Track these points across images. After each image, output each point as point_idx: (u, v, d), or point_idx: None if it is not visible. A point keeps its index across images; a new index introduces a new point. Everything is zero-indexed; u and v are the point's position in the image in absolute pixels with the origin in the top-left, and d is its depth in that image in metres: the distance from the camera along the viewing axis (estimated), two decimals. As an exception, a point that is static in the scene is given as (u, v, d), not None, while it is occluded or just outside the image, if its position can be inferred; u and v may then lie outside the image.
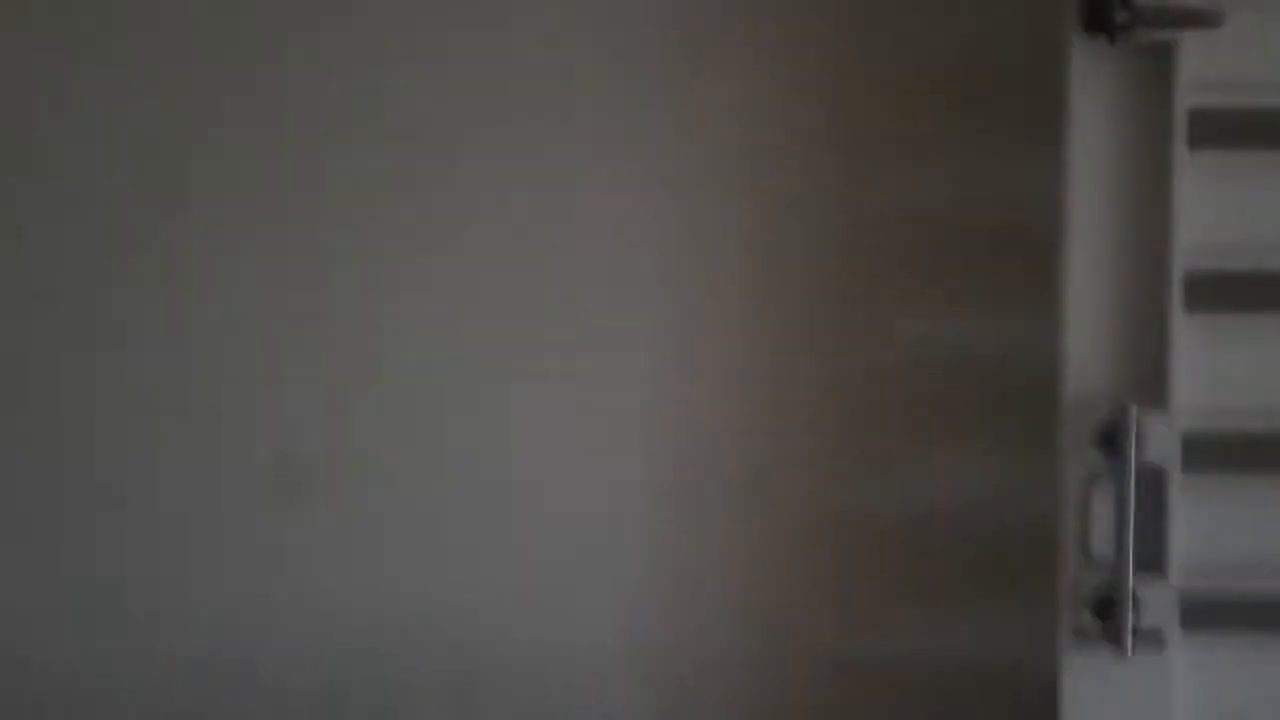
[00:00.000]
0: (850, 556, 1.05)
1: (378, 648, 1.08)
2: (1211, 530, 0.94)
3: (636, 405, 1.08)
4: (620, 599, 1.07)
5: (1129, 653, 0.90)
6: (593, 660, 1.05)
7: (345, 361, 1.10)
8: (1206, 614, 0.93)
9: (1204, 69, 0.92)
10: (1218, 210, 0.94)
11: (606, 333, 1.08)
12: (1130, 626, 0.90)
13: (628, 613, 1.07)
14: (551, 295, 1.09)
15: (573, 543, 1.09)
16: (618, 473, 1.09)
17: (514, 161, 1.08)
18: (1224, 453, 0.94)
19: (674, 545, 1.08)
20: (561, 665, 1.07)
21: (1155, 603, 0.91)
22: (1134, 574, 0.90)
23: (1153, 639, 0.91)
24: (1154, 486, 0.91)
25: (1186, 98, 0.92)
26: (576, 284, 1.08)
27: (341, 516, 1.10)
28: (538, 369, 1.09)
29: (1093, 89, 0.93)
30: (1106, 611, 0.91)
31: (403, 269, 1.10)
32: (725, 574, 1.06)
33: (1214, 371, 0.94)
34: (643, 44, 1.03)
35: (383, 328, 1.10)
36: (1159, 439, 0.91)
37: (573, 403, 1.10)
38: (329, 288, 1.09)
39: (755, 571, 1.05)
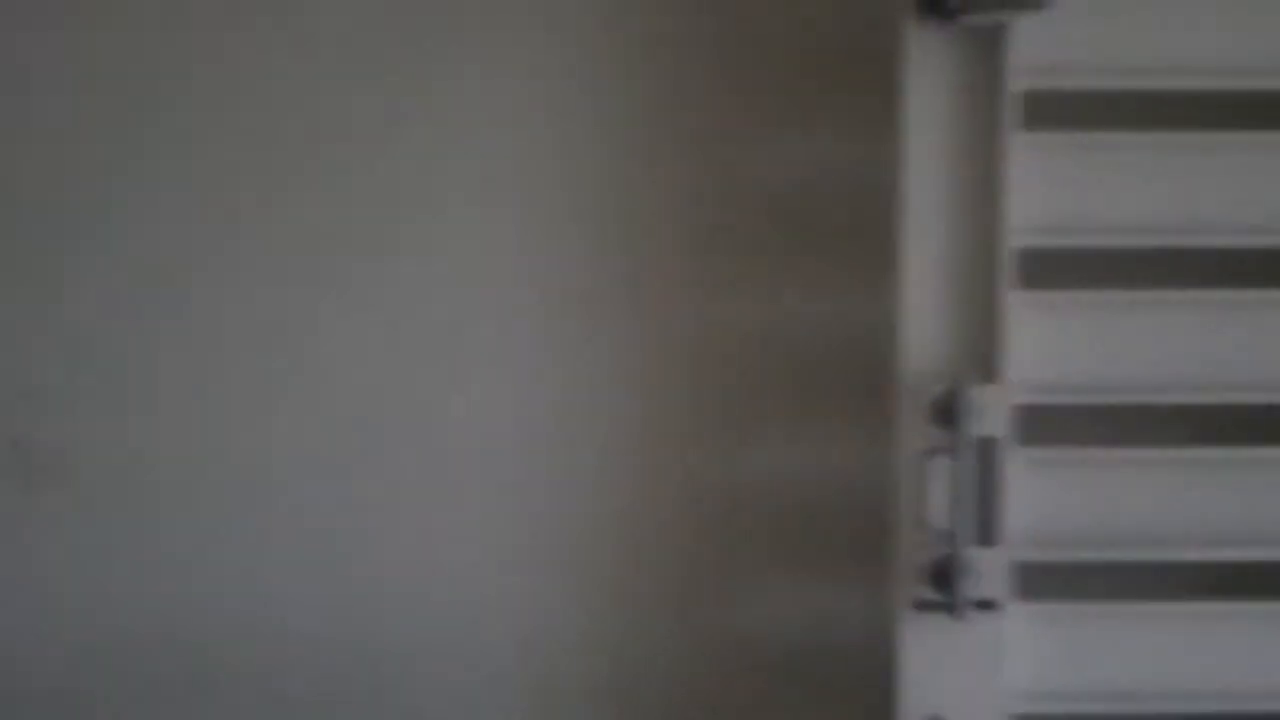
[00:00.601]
0: (709, 528, 1.07)
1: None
2: (1045, 500, 0.98)
3: (513, 384, 1.09)
4: (495, 566, 1.08)
5: (963, 618, 0.93)
6: (465, 628, 1.07)
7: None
8: (1038, 581, 0.97)
9: (1036, 52, 0.95)
10: (1050, 190, 0.97)
11: (478, 317, 1.08)
12: (965, 595, 0.93)
13: (501, 581, 1.08)
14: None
15: (448, 514, 1.10)
16: (491, 444, 1.09)
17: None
18: (1057, 425, 0.98)
19: (545, 515, 1.09)
20: (433, 633, 1.08)
21: (989, 571, 0.95)
22: (968, 544, 0.93)
23: (987, 606, 0.95)
24: (988, 458, 0.95)
25: (1019, 80, 0.94)
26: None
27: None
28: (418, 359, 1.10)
29: (928, 71, 0.95)
30: (942, 580, 0.94)
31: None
32: (594, 543, 1.08)
33: (1047, 347, 0.98)
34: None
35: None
36: (993, 412, 0.95)
37: (448, 381, 1.10)
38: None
39: (618, 541, 1.07)
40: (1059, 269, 0.98)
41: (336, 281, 1.07)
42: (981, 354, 0.95)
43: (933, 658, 0.96)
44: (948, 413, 0.94)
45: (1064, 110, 0.96)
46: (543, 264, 1.04)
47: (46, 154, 1.08)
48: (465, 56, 1.07)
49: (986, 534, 0.95)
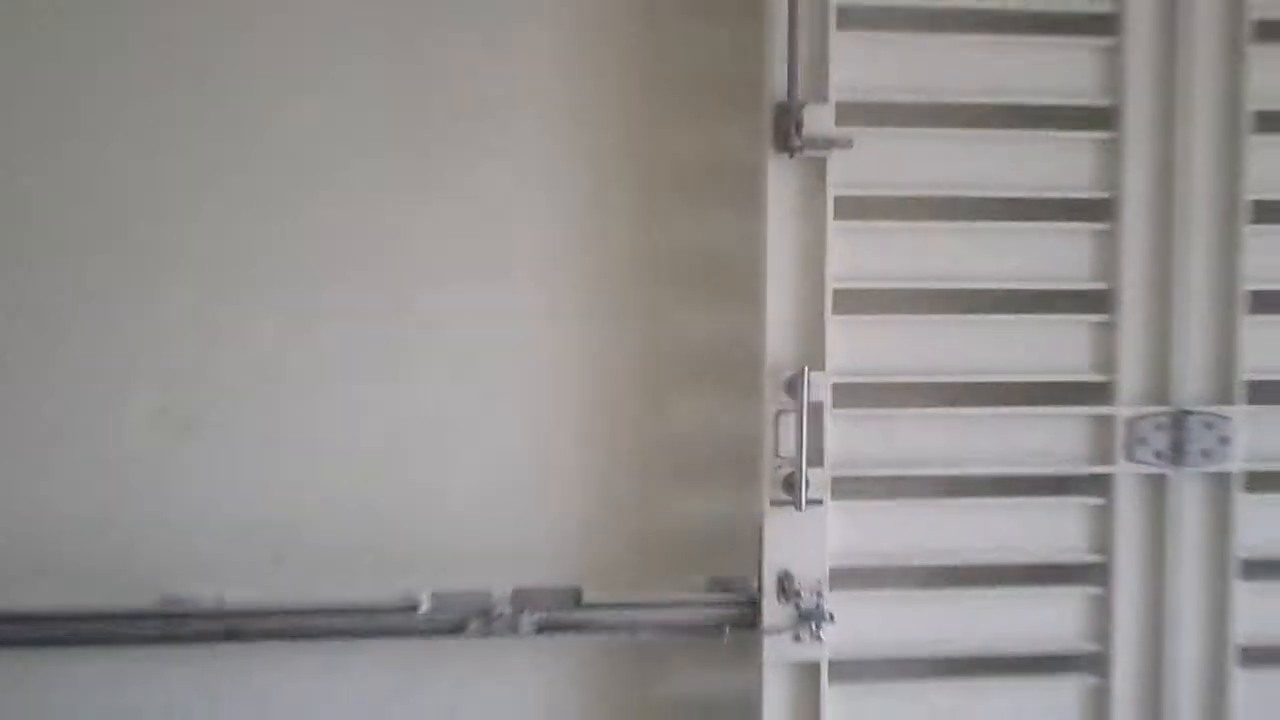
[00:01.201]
0: (652, 458, 1.69)
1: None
2: (849, 438, 1.63)
3: (525, 364, 1.69)
4: (508, 478, 1.68)
5: (801, 509, 1.58)
6: (481, 516, 1.67)
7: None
8: (846, 488, 1.63)
9: (844, 172, 1.59)
10: (851, 255, 1.62)
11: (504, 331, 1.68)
12: (803, 495, 1.57)
13: (509, 487, 1.69)
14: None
15: (461, 443, 1.69)
16: (493, 392, 1.69)
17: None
18: (856, 394, 1.63)
19: (544, 447, 1.70)
20: (448, 523, 1.67)
21: (817, 481, 1.59)
22: (805, 465, 1.57)
23: (815, 503, 1.59)
24: (817, 414, 1.59)
25: (834, 189, 1.59)
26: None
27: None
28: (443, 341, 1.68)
29: (781, 182, 1.59)
30: (789, 488, 1.58)
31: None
32: (575, 463, 1.69)
33: (850, 348, 1.63)
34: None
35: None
36: (819, 387, 1.59)
37: (483, 365, 1.69)
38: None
39: (591, 465, 1.69)
40: (856, 301, 1.63)
41: (413, 312, 1.65)
42: (813, 354, 1.60)
43: (784, 534, 1.60)
44: (793, 387, 1.58)
45: (859, 207, 1.61)
46: (548, 294, 1.66)
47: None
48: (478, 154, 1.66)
49: (815, 459, 1.59)
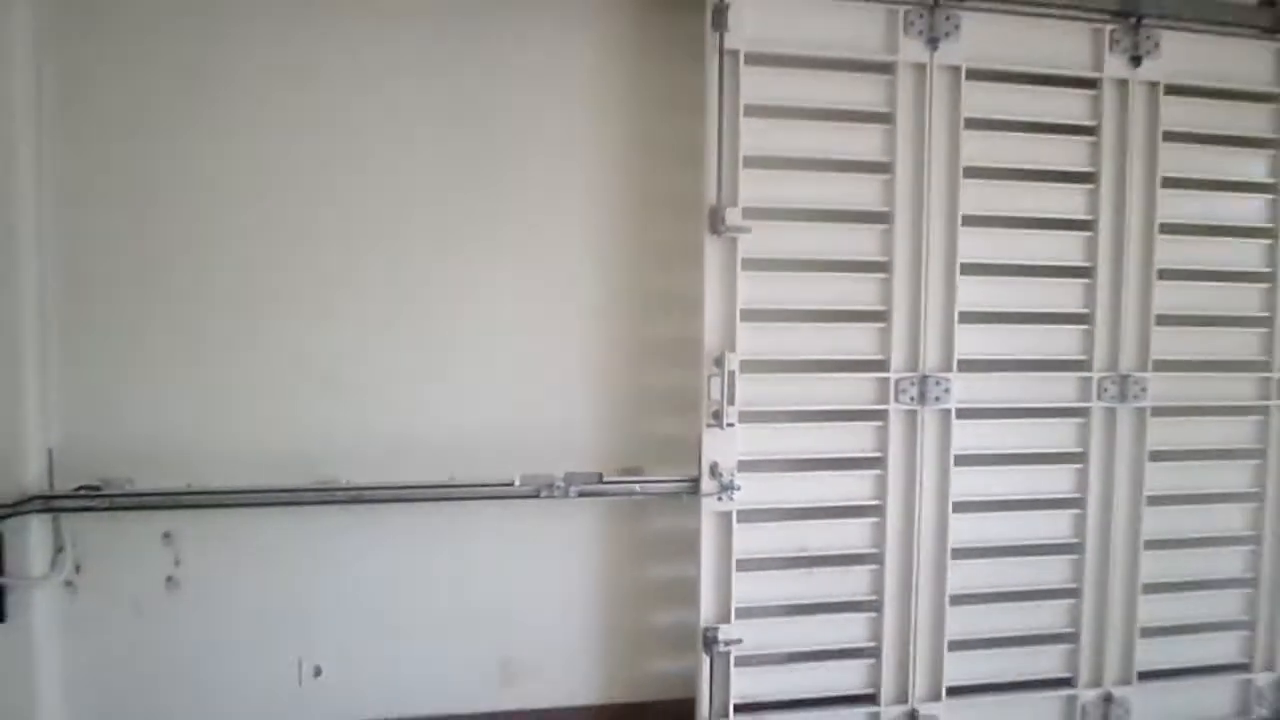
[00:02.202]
0: (636, 401, 3.02)
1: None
2: (749, 390, 2.98)
3: (535, 343, 2.99)
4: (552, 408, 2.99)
5: (723, 429, 2.93)
6: (494, 436, 2.97)
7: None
8: (746, 417, 2.98)
9: (746, 245, 2.93)
10: (751, 289, 2.96)
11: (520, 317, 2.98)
12: (724, 421, 2.91)
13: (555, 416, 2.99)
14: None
15: (533, 394, 2.98)
16: (550, 366, 2.98)
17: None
18: (752, 366, 2.98)
19: (569, 393, 3.01)
20: (476, 437, 2.96)
21: (730, 414, 2.94)
22: (725, 405, 2.91)
23: (731, 425, 2.94)
24: (731, 377, 2.93)
25: (741, 254, 2.92)
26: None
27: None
28: (488, 293, 2.97)
29: (713, 251, 2.91)
30: (717, 417, 2.93)
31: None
32: (590, 402, 3.00)
33: (749, 341, 2.97)
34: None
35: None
36: (732, 362, 2.93)
37: (502, 342, 2.98)
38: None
39: (602, 401, 3.01)
40: (753, 315, 2.97)
41: (458, 282, 2.94)
42: (730, 343, 2.94)
43: (713, 443, 2.94)
44: (719, 362, 2.92)
45: (755, 265, 2.95)
46: (579, 309, 2.97)
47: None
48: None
49: (730, 402, 2.93)
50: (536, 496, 2.89)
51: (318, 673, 2.95)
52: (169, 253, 2.79)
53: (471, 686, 3.02)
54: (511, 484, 2.88)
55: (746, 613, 3.00)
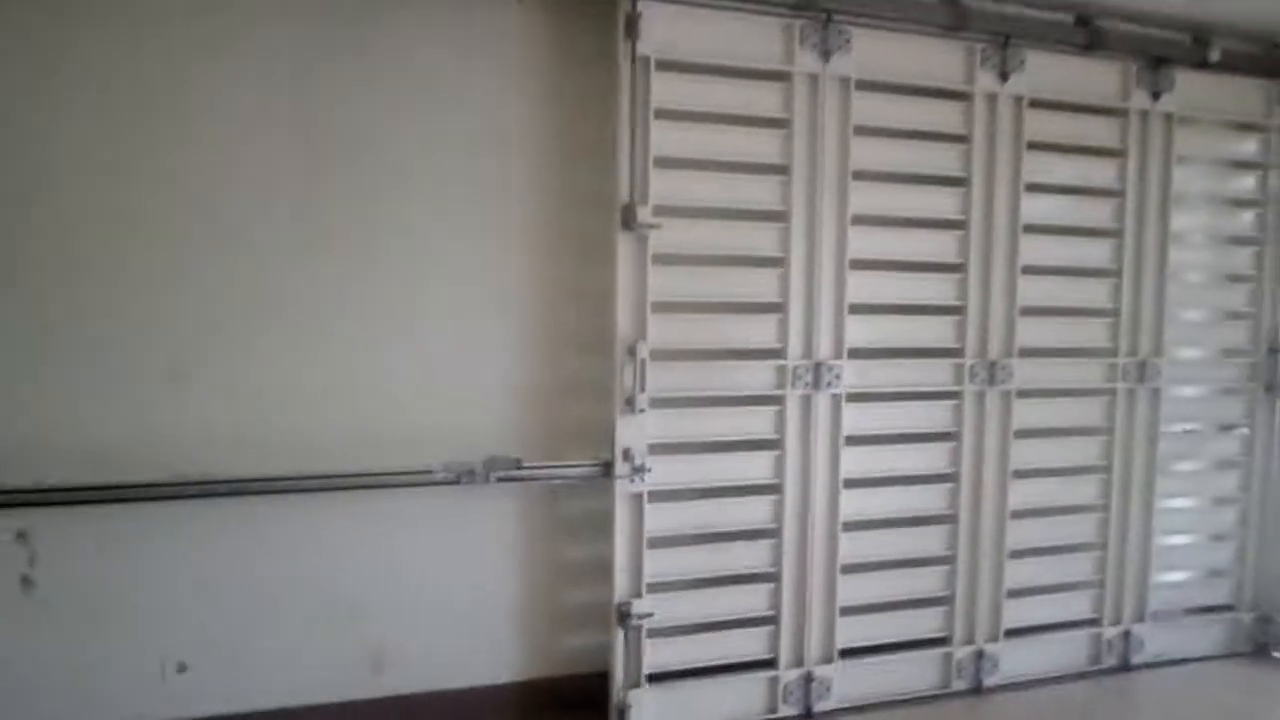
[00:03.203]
0: (554, 388, 3.16)
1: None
2: (658, 377, 3.16)
3: (472, 332, 3.09)
4: (463, 398, 3.10)
5: (635, 414, 3.10)
6: (444, 424, 3.07)
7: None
8: (656, 402, 3.16)
9: (656, 241, 3.10)
10: (660, 282, 3.13)
11: (460, 305, 3.08)
12: (636, 407, 3.09)
13: (464, 406, 3.10)
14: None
15: (454, 381, 3.08)
16: (471, 353, 3.09)
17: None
18: (661, 355, 3.16)
19: (492, 379, 3.12)
20: (451, 426, 3.06)
21: (641, 400, 3.11)
22: (636, 392, 3.09)
23: (642, 411, 3.11)
24: (642, 365, 3.10)
25: (651, 249, 3.10)
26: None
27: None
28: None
29: (625, 246, 3.08)
30: (630, 404, 3.10)
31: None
32: (512, 389, 3.13)
33: (659, 331, 3.15)
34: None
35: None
36: (643, 351, 3.10)
37: (450, 327, 3.08)
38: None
39: (523, 387, 3.14)
40: (662, 307, 3.15)
41: (422, 305, 3.03)
42: (641, 334, 3.11)
43: (626, 428, 3.12)
44: (631, 351, 3.09)
45: (664, 259, 3.13)
46: (501, 302, 3.09)
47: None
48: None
49: (641, 389, 3.11)
50: (457, 483, 3.00)
51: (182, 669, 2.93)
52: (8, 247, 2.69)
53: (360, 672, 3.10)
54: (431, 471, 2.98)
55: (657, 587, 3.18)
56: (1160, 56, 3.67)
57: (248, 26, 2.84)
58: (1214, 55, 3.71)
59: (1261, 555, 4.06)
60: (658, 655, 3.20)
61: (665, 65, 3.05)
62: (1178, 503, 3.96)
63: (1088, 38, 3.54)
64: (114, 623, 2.86)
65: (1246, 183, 3.98)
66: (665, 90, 3.06)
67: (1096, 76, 3.62)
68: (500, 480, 3.05)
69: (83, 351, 2.75)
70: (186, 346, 2.84)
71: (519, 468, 3.08)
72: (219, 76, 2.82)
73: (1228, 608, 4.07)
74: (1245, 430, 4.03)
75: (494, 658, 3.21)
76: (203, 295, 2.84)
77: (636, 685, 3.17)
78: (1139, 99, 3.67)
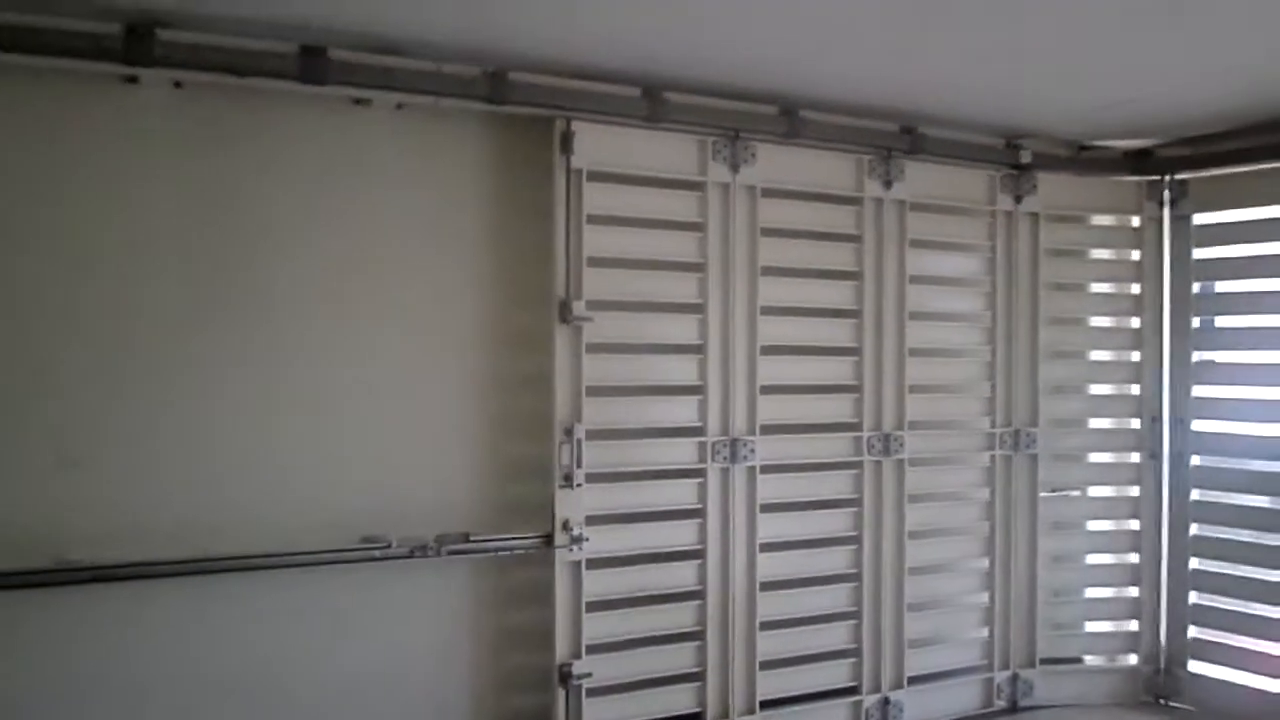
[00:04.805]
0: (498, 468, 3.45)
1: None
2: (593, 456, 3.48)
3: (425, 372, 3.37)
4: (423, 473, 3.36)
5: (573, 489, 3.40)
6: (418, 497, 3.33)
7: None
8: (592, 478, 3.47)
9: (589, 332, 3.45)
10: (593, 369, 3.48)
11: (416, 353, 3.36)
12: (574, 482, 3.40)
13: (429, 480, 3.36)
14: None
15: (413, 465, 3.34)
16: (427, 442, 3.36)
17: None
18: (596, 436, 3.49)
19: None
20: (407, 501, 3.31)
21: (578, 475, 3.42)
22: (574, 468, 3.40)
23: (579, 485, 3.42)
24: (579, 444, 3.42)
25: (585, 340, 3.45)
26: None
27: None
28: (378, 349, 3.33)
29: (561, 338, 3.41)
30: (568, 479, 3.41)
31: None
32: (462, 469, 3.40)
33: (594, 414, 3.48)
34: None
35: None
36: (580, 431, 3.42)
37: (406, 372, 3.35)
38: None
39: (470, 468, 3.41)
40: (596, 392, 3.49)
41: (369, 374, 3.29)
42: (577, 416, 3.43)
43: (564, 502, 3.41)
44: (568, 432, 3.41)
45: (597, 349, 3.48)
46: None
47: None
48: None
49: (579, 464, 3.42)
50: (410, 557, 3.25)
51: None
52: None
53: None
54: (388, 544, 3.22)
55: (595, 648, 3.46)
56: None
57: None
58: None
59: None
60: (596, 713, 3.46)
61: (596, 176, 3.44)
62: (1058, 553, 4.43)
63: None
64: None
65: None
66: (596, 198, 3.44)
67: (977, 183, 4.16)
68: (450, 553, 3.31)
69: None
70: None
71: (467, 541, 3.34)
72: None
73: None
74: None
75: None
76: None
77: (577, 742, 3.42)
78: (1003, 202, 4.23)
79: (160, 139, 3.01)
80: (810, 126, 3.77)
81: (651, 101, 3.48)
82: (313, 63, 3.00)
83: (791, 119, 3.72)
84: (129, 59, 2.79)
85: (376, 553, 3.20)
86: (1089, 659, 4.52)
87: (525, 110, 3.34)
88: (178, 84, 2.97)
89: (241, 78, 2.93)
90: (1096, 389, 4.59)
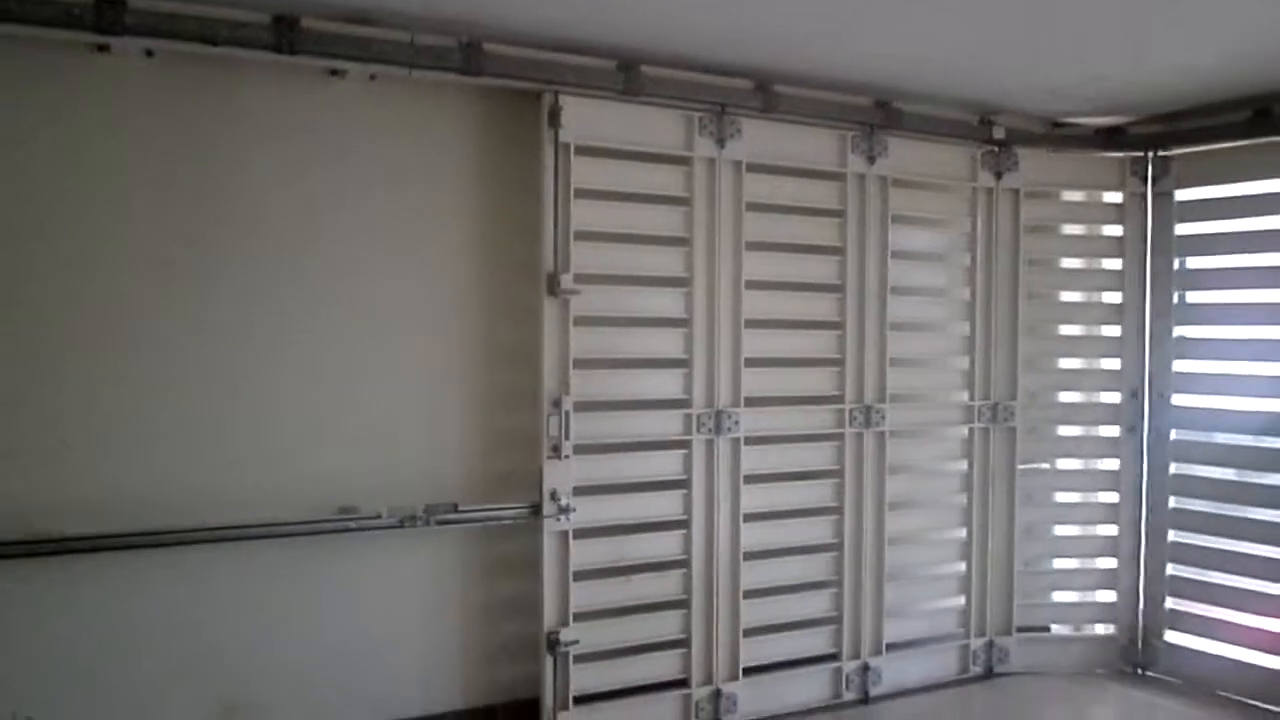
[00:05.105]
0: (488, 440, 3.49)
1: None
2: (581, 428, 3.52)
3: (416, 349, 3.40)
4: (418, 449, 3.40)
5: (561, 460, 3.45)
6: (413, 471, 3.37)
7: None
8: (579, 449, 3.52)
9: (577, 305, 3.49)
10: (581, 342, 3.51)
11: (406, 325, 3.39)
12: (561, 453, 3.45)
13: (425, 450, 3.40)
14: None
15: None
16: (422, 416, 3.39)
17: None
18: (584, 407, 3.53)
19: (429, 392, 3.43)
20: (397, 472, 3.34)
21: (566, 446, 3.47)
22: (562, 440, 3.44)
23: (567, 457, 3.47)
24: (567, 416, 3.47)
25: (573, 313, 3.48)
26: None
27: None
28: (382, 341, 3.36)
29: (550, 310, 3.45)
30: (556, 450, 3.45)
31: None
32: (452, 439, 3.44)
33: (581, 385, 3.52)
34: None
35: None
36: (568, 403, 3.47)
37: (397, 348, 3.38)
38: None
39: (461, 439, 3.45)
40: (583, 365, 3.53)
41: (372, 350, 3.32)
42: (565, 388, 3.48)
43: (553, 472, 3.46)
44: (556, 404, 3.45)
45: (585, 321, 3.51)
46: (442, 371, 3.41)
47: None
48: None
49: (567, 435, 3.47)
50: (400, 527, 3.29)
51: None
52: None
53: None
54: (379, 515, 3.26)
55: (582, 616, 3.52)
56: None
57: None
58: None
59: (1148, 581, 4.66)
60: (583, 679, 3.53)
61: (584, 150, 3.46)
62: (1033, 525, 4.53)
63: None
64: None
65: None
66: (584, 172, 3.46)
67: (958, 159, 4.22)
68: (439, 523, 3.35)
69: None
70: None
71: (456, 511, 3.38)
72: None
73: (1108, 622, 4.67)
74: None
75: (432, 689, 3.48)
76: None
77: (565, 708, 3.48)
78: (985, 178, 4.29)
79: (133, 108, 3.01)
80: (785, 101, 3.79)
81: (629, 75, 3.50)
82: (285, 32, 3.00)
83: (766, 94, 3.76)
84: (100, 27, 2.78)
85: (366, 523, 3.24)
86: (1065, 628, 4.63)
87: (501, 82, 3.35)
88: (149, 53, 2.98)
89: (214, 46, 2.92)
90: (1076, 363, 4.67)
